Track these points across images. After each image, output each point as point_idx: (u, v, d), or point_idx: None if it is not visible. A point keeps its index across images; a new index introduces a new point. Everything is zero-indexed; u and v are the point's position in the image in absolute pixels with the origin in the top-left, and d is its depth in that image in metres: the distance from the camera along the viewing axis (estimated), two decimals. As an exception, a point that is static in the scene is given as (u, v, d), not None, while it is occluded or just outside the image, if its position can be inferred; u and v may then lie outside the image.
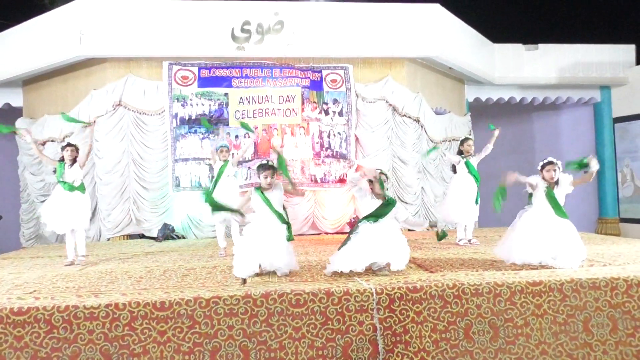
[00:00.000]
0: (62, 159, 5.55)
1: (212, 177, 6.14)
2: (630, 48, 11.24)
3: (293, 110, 8.85)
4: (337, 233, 8.78)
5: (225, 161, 6.13)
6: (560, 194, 4.60)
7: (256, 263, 4.24)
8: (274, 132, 8.78)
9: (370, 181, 4.35)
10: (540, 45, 10.95)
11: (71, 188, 5.45)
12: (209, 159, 6.46)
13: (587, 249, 4.72)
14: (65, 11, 8.59)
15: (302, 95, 8.87)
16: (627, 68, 11.16)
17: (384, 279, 4.00)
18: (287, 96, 8.82)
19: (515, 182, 4.66)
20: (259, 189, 4.43)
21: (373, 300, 3.57)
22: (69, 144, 5.62)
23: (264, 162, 4.49)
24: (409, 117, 9.16)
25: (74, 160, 5.55)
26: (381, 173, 4.41)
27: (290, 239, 4.38)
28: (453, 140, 9.89)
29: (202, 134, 8.62)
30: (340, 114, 9.02)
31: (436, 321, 3.60)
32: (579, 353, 3.65)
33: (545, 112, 12.32)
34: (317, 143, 8.90)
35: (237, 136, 8.71)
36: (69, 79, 8.99)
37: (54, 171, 5.59)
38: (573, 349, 3.65)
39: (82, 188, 5.57)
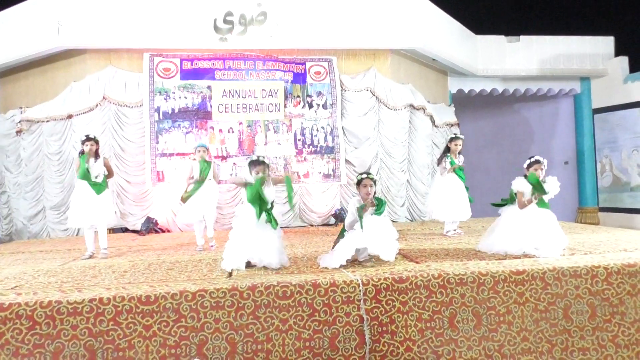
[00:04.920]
0: (82, 152, 5.44)
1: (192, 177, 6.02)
2: (610, 40, 11.41)
3: (276, 105, 8.81)
4: (322, 225, 8.79)
5: (208, 162, 6.01)
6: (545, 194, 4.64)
7: (244, 258, 4.23)
8: (258, 128, 8.73)
9: (361, 185, 4.30)
10: (522, 37, 11.06)
11: (93, 184, 5.36)
12: (192, 153, 6.37)
13: (568, 238, 4.82)
14: (42, 0, 8.38)
15: (285, 90, 8.83)
16: (606, 60, 11.34)
17: (370, 270, 4.02)
18: (270, 90, 8.77)
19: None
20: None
21: (359, 291, 3.59)
22: (88, 138, 5.46)
23: (255, 158, 4.36)
24: (396, 110, 9.19)
25: (96, 154, 5.46)
26: (368, 178, 4.30)
27: (274, 226, 4.29)
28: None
29: (186, 128, 8.53)
30: (324, 106, 9.00)
31: (421, 311, 3.63)
32: (558, 339, 3.73)
33: (526, 103, 12.47)
34: (300, 140, 8.88)
35: (220, 130, 8.64)
36: (47, 70, 8.80)
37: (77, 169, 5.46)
38: (552, 335, 3.73)
39: (104, 183, 5.49)
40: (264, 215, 4.29)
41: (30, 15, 8.46)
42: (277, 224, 4.35)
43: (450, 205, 6.39)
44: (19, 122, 8.54)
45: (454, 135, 6.64)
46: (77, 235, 8.28)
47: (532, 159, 4.66)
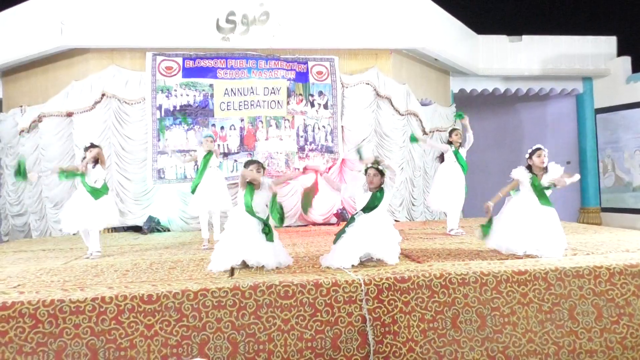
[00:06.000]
0: (84, 159, 5.50)
1: (197, 168, 6.12)
2: (612, 40, 11.39)
3: (278, 102, 8.81)
4: (324, 224, 8.79)
5: (209, 152, 6.08)
6: (546, 182, 4.64)
7: (233, 260, 4.21)
8: (259, 124, 8.74)
9: (367, 174, 4.36)
10: (524, 36, 11.04)
11: (92, 190, 5.39)
12: (194, 150, 6.43)
13: (570, 238, 4.81)
14: (45, 0, 8.39)
15: (288, 88, 8.83)
16: (608, 60, 11.31)
17: (372, 269, 4.01)
18: (273, 88, 8.77)
19: (495, 202, 4.72)
20: (252, 185, 4.34)
21: (361, 291, 3.58)
22: (92, 145, 5.59)
23: (250, 159, 4.45)
24: (396, 109, 9.20)
25: (96, 161, 5.51)
26: (372, 168, 4.38)
27: (270, 239, 4.26)
28: (437, 130, 9.99)
29: (188, 125, 8.54)
30: (326, 106, 9.01)
31: (424, 311, 3.62)
32: (565, 340, 3.71)
33: (528, 103, 12.45)
34: (302, 137, 8.88)
35: (222, 127, 8.65)
36: (49, 69, 8.82)
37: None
38: (559, 336, 3.71)
39: (104, 189, 5.53)
40: (259, 223, 4.26)
41: (33, 15, 8.47)
42: (272, 238, 4.28)
43: (444, 195, 6.44)
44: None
45: (452, 128, 6.75)
46: (74, 234, 8.28)
47: (535, 147, 4.75)
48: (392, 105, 9.18)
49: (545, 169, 4.65)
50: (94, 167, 5.48)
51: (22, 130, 8.63)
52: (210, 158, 6.05)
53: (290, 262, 4.40)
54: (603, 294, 3.81)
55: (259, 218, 4.27)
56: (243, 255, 4.20)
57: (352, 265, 4.11)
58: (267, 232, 4.28)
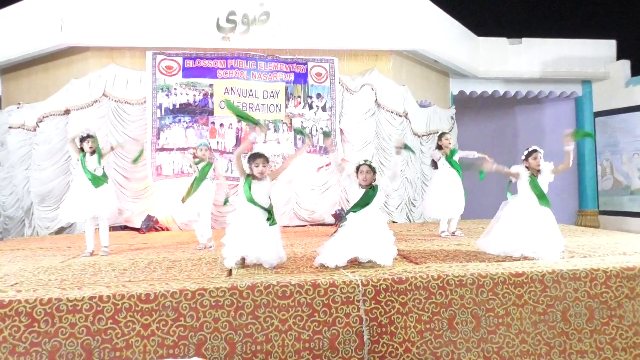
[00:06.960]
0: (82, 149, 5.52)
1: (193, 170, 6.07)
2: (612, 43, 11.40)
3: (277, 106, 8.83)
4: (320, 224, 8.79)
5: (209, 164, 5.99)
6: (543, 182, 4.69)
7: (240, 253, 4.25)
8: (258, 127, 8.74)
9: (359, 171, 4.37)
10: (524, 39, 11.04)
11: (92, 177, 5.42)
12: (194, 148, 6.36)
13: (568, 241, 4.83)
14: (45, -2, 8.41)
15: (287, 91, 8.84)
16: (608, 63, 11.33)
17: (370, 270, 4.01)
18: (272, 91, 8.80)
19: (494, 171, 4.74)
20: (250, 177, 4.38)
21: (359, 291, 3.59)
22: (88, 135, 5.59)
23: (254, 152, 4.41)
24: (394, 111, 9.20)
25: (93, 151, 5.53)
26: (365, 165, 4.39)
27: (273, 223, 4.30)
28: (434, 133, 10.00)
29: (187, 123, 8.55)
30: (324, 108, 9.02)
31: (421, 312, 3.63)
32: (556, 341, 3.73)
33: (528, 105, 12.46)
34: (300, 139, 8.89)
35: (222, 124, 8.65)
36: (49, 67, 8.82)
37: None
38: (551, 337, 3.73)
39: (104, 177, 5.56)
40: (263, 212, 4.29)
41: (34, 13, 8.47)
42: (275, 222, 4.34)
43: (443, 202, 6.40)
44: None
45: (441, 132, 6.74)
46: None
47: (530, 149, 4.80)
48: (392, 107, 9.18)
49: (539, 171, 4.69)
50: (91, 155, 5.49)
51: (19, 127, 8.60)
52: (209, 170, 5.99)
53: (284, 260, 4.42)
54: (597, 297, 3.83)
55: (261, 207, 4.27)
56: (245, 249, 4.21)
57: (337, 266, 4.11)
58: (270, 217, 4.29)
